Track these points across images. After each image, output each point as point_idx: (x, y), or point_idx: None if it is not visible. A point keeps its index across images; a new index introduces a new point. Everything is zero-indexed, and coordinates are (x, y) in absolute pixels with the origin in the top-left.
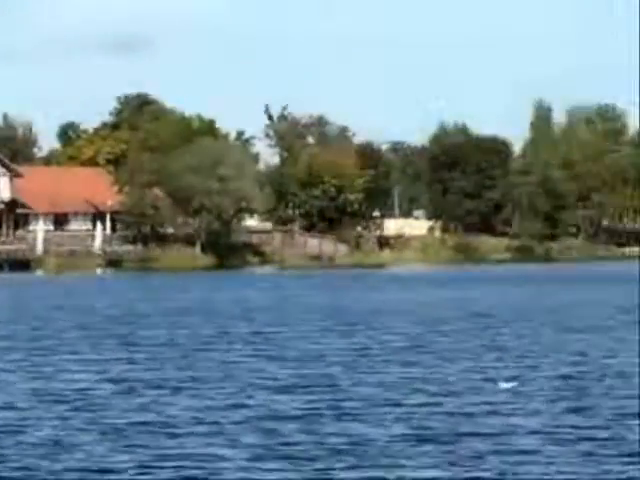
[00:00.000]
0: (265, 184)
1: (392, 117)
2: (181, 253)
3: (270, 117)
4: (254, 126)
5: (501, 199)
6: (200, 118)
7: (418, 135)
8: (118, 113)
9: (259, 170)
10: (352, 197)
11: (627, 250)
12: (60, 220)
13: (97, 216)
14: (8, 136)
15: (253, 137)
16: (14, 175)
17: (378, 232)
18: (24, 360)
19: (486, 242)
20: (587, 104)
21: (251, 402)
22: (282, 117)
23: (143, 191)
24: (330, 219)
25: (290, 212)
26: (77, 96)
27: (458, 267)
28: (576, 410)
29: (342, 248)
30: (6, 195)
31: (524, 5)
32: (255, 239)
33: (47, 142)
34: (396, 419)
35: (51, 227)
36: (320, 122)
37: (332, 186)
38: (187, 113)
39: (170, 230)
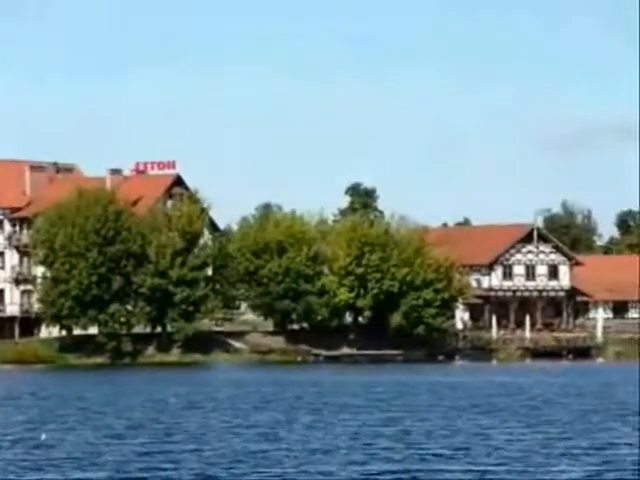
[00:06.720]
0: None
1: None
2: None
3: None
4: None
5: None
6: None
7: None
8: None
9: None
10: None
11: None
12: (619, 308)
13: None
14: (567, 224)
15: None
16: (574, 264)
17: None
18: None
19: None
20: None
21: None
22: None
23: None
24: None
25: None
26: (635, 183)
27: None
28: None
29: None
30: (565, 283)
31: None
32: None
33: (607, 230)
34: None
35: (610, 315)
36: None
37: None
38: None
39: None
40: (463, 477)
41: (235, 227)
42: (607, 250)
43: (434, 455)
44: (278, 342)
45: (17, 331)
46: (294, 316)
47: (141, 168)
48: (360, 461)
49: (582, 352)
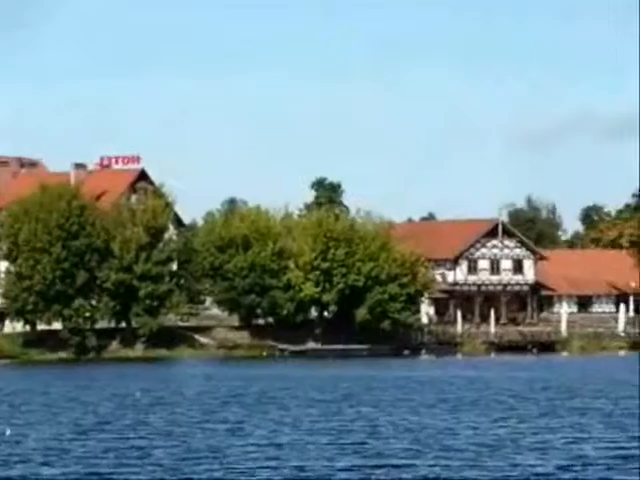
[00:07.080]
0: None
1: None
2: None
3: None
4: None
5: None
6: None
7: None
8: None
9: None
10: None
11: None
12: (583, 303)
13: (620, 298)
14: (532, 218)
15: None
16: (538, 258)
17: None
18: None
19: None
20: None
21: None
22: None
23: None
24: None
25: None
26: (599, 179)
27: None
28: None
29: None
30: (530, 278)
31: None
32: None
33: (571, 225)
34: None
35: (574, 309)
36: None
37: None
38: None
39: None
40: (431, 472)
41: (200, 222)
42: (571, 245)
43: (402, 450)
44: (243, 337)
45: None
46: (259, 311)
47: (105, 163)
48: (328, 456)
49: (547, 346)
